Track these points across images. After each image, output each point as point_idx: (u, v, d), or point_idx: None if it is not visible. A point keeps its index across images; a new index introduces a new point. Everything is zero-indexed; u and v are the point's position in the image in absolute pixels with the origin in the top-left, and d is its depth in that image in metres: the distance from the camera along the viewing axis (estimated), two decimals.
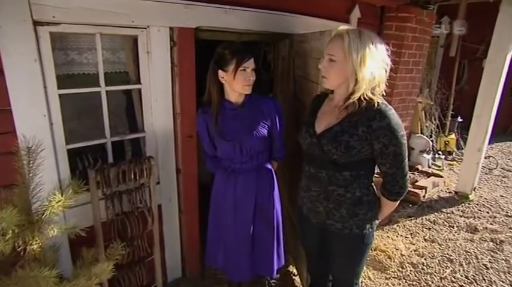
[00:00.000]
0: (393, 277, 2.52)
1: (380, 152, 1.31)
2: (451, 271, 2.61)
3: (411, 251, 2.83)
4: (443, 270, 2.61)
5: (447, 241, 3.01)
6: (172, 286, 2.28)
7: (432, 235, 3.09)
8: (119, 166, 1.71)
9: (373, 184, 1.46)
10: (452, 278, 2.52)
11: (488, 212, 3.54)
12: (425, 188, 3.86)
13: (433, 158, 4.85)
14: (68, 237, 1.63)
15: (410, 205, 3.65)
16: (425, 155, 4.66)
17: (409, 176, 1.26)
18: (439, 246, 2.93)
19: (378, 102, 1.28)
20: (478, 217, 3.44)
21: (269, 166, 1.84)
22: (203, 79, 1.74)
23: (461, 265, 2.69)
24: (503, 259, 2.75)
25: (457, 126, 5.36)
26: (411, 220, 3.36)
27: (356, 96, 1.28)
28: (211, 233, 1.91)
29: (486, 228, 3.21)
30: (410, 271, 2.59)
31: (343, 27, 1.32)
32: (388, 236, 3.05)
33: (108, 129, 1.82)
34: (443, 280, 2.50)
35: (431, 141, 4.93)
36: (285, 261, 1.99)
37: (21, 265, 1.15)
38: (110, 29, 1.67)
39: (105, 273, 1.24)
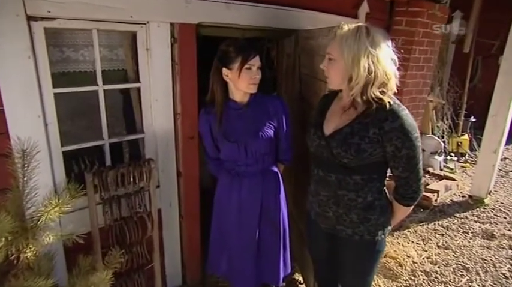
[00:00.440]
0: (405, 286, 2.49)
1: (392, 155, 1.29)
2: (467, 280, 2.58)
3: (424, 259, 2.81)
4: (458, 279, 2.59)
5: (462, 247, 2.99)
6: None
7: (446, 242, 3.07)
8: (117, 168, 1.70)
9: (385, 187, 1.45)
10: None
11: (505, 218, 3.50)
12: (437, 191, 3.83)
13: (445, 160, 4.83)
14: (63, 244, 1.62)
15: (422, 210, 3.62)
16: (436, 156, 4.64)
17: (424, 180, 1.24)
18: (453, 253, 2.90)
19: (389, 102, 1.26)
20: (495, 223, 3.41)
21: (275, 169, 1.83)
22: (205, 78, 1.72)
23: (478, 273, 2.66)
24: None
25: (470, 127, 5.33)
26: (423, 225, 3.34)
27: (354, 93, 1.27)
28: (214, 239, 1.89)
29: (504, 234, 3.18)
30: (424, 279, 2.57)
31: (343, 23, 1.32)
32: (399, 242, 3.02)
33: (105, 131, 1.81)
34: None
35: (443, 142, 4.90)
36: (291, 268, 1.98)
37: (14, 274, 1.14)
38: (107, 24, 1.66)
39: (104, 282, 1.23)
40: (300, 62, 2.32)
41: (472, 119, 5.24)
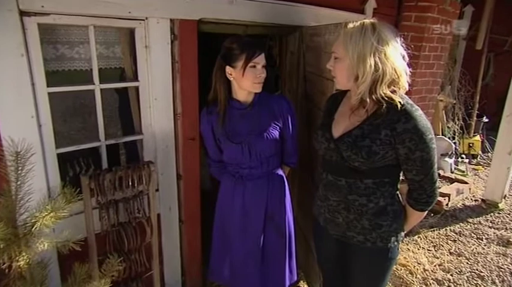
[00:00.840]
0: None
1: (405, 157, 1.28)
2: None
3: (435, 266, 2.79)
4: None
5: (476, 255, 2.96)
6: None
7: (458, 248, 3.04)
8: (114, 171, 1.69)
9: (398, 192, 1.43)
10: None
11: None
12: (448, 195, 3.81)
13: (456, 162, 4.81)
14: (57, 251, 1.60)
15: (432, 214, 3.60)
16: (447, 159, 4.62)
17: (439, 184, 1.23)
18: (466, 260, 2.88)
19: (400, 101, 1.24)
20: (511, 229, 3.38)
21: (280, 172, 1.82)
22: (207, 76, 1.71)
23: (494, 282, 2.63)
24: None
25: (482, 127, 5.31)
26: (434, 230, 3.31)
27: (361, 91, 1.26)
28: (216, 245, 1.89)
29: None
30: None
31: (347, 21, 1.32)
32: (409, 249, 3.01)
33: (102, 132, 1.80)
34: None
35: (454, 143, 4.88)
36: (297, 276, 1.97)
37: (5, 283, 1.12)
38: (104, 20, 1.65)
39: None
40: (304, 60, 2.31)
41: (485, 119, 5.22)
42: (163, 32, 1.80)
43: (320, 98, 2.04)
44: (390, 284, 2.54)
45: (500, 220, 3.54)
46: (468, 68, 5.46)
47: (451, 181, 4.26)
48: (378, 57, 1.22)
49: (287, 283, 1.87)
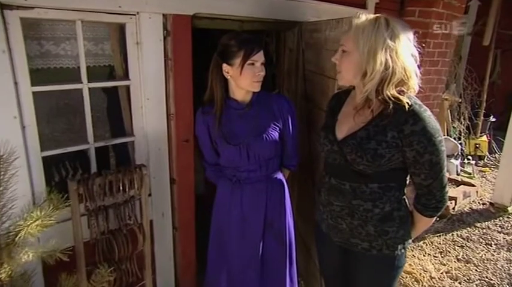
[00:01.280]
0: None
1: (413, 161, 1.27)
2: None
3: (442, 274, 2.79)
4: None
5: (485, 261, 2.97)
6: None
7: (466, 254, 3.05)
8: (104, 175, 1.67)
9: (405, 196, 1.43)
10: None
11: None
12: (455, 199, 3.83)
13: (462, 164, 4.83)
14: (42, 262, 1.58)
15: (438, 219, 3.61)
16: (453, 160, 4.64)
17: (449, 188, 1.23)
18: (475, 267, 2.88)
19: (408, 102, 1.24)
20: None
21: (280, 175, 1.82)
22: (202, 75, 1.70)
23: None
24: None
25: (488, 127, 5.33)
26: (440, 236, 3.32)
27: (368, 89, 1.25)
28: (213, 253, 1.88)
29: None
30: None
31: (360, 13, 1.31)
32: (414, 255, 3.01)
33: (91, 133, 1.78)
34: None
35: (460, 144, 4.90)
36: (297, 285, 1.97)
37: None
38: (92, 15, 1.63)
39: None
40: (304, 58, 2.31)
41: (492, 118, 5.24)
42: (155, 28, 1.79)
43: (320, 98, 2.03)
44: None
45: (510, 225, 3.55)
46: (474, 65, 5.47)
47: (458, 183, 4.28)
48: (390, 54, 1.21)
49: None
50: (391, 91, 1.24)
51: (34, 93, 1.57)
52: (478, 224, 3.54)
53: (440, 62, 3.32)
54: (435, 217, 1.42)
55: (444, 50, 3.30)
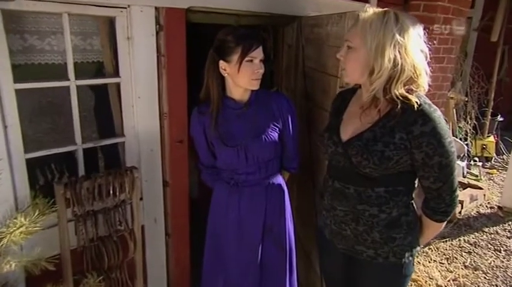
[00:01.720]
0: None
1: (422, 163, 1.27)
2: None
3: (449, 281, 2.80)
4: None
5: (494, 268, 2.98)
6: None
7: (474, 261, 3.06)
8: (93, 178, 1.66)
9: (413, 201, 1.42)
10: None
11: None
12: (461, 202, 3.84)
13: (468, 166, 4.85)
14: (25, 271, 1.56)
15: None
16: (459, 162, 4.65)
17: (459, 192, 1.22)
18: (484, 275, 2.89)
19: (417, 101, 1.23)
20: None
21: (280, 178, 1.82)
22: (197, 72, 1.70)
23: None
24: None
25: (496, 127, 5.36)
26: (446, 241, 3.33)
27: (375, 88, 1.25)
28: (208, 261, 1.88)
29: None
30: None
31: (367, 7, 1.30)
32: (419, 262, 3.02)
33: (79, 134, 1.77)
34: None
35: (466, 145, 4.92)
36: None
37: None
38: (80, 7, 1.62)
39: None
40: (303, 54, 2.31)
41: (499, 118, 5.27)
42: (147, 22, 1.78)
43: (321, 96, 2.03)
44: None
45: None
46: (481, 62, 5.50)
47: (464, 186, 4.29)
48: (399, 50, 1.20)
49: None
50: (399, 90, 1.24)
51: (17, 91, 1.55)
52: (486, 229, 3.56)
53: (445, 59, 3.33)
54: (445, 222, 1.42)
55: (450, 47, 3.30)
